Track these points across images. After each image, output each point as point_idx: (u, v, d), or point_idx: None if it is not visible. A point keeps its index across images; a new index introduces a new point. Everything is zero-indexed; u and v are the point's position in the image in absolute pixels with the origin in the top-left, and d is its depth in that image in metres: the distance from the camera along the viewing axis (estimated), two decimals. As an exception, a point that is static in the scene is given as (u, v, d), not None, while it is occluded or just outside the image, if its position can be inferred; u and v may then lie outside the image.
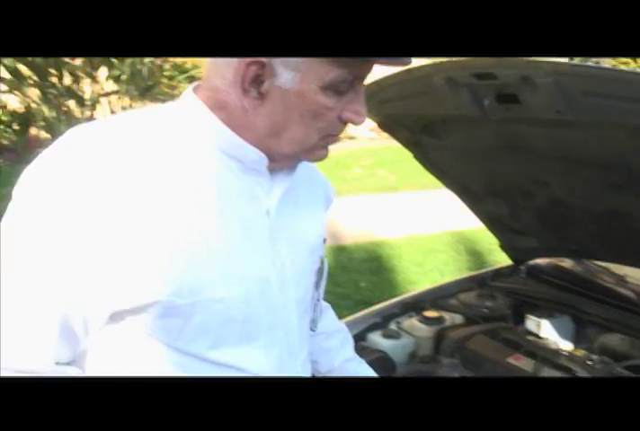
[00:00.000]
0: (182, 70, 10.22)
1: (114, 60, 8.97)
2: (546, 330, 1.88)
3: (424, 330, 1.87)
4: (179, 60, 11.16)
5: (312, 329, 1.12)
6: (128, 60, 9.18)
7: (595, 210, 1.72)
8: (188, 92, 0.95)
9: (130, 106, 9.25)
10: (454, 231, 5.32)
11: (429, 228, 5.48)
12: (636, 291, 1.89)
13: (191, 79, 10.00)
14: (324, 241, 1.12)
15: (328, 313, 1.32)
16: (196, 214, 0.88)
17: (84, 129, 0.88)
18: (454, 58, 1.46)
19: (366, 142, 9.92)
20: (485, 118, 1.49)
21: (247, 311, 0.93)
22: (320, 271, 1.10)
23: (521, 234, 2.14)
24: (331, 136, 0.94)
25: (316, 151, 0.95)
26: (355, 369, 1.33)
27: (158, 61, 9.87)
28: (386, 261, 4.49)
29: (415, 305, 2.03)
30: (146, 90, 9.46)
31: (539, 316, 1.91)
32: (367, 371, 1.35)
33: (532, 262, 2.27)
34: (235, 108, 0.90)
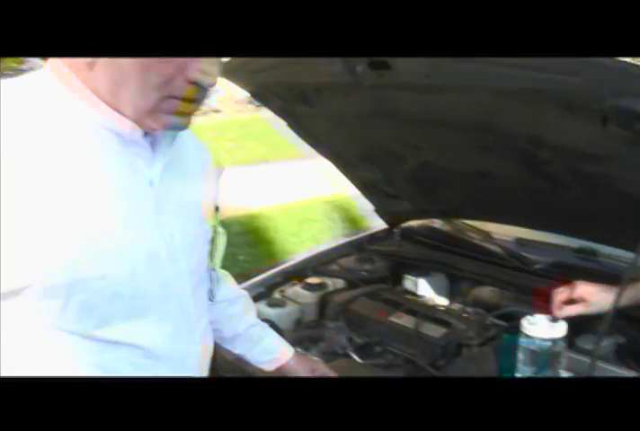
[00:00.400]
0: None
1: None
2: (423, 288, 1.97)
3: (308, 297, 1.90)
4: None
5: (210, 299, 1.11)
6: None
7: (463, 171, 1.81)
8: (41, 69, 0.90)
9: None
10: (327, 199, 5.42)
11: (302, 197, 5.54)
12: (502, 246, 2.02)
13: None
14: (217, 209, 1.10)
15: (227, 281, 1.32)
16: (74, 191, 0.84)
17: None
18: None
19: (232, 114, 9.81)
20: (358, 84, 1.52)
21: (134, 286, 0.90)
22: (213, 240, 1.08)
23: (395, 198, 2.21)
24: (175, 99, 0.86)
25: (163, 116, 0.88)
26: (259, 333, 1.35)
27: None
28: (263, 233, 4.51)
29: (297, 273, 2.06)
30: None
31: (416, 275, 2.00)
32: (271, 335, 1.37)
33: (405, 225, 2.36)
34: (77, 72, 0.86)
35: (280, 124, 2.05)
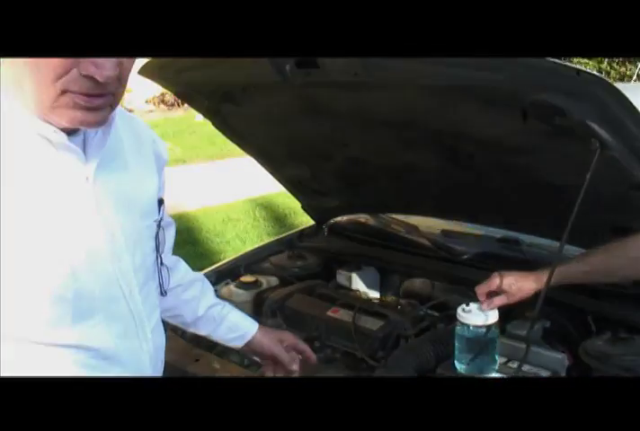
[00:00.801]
0: None
1: None
2: (356, 282, 2.00)
3: (243, 295, 1.90)
4: None
5: (162, 294, 1.10)
6: None
7: (389, 166, 1.85)
8: None
9: None
10: (248, 198, 5.41)
11: (223, 198, 5.50)
12: (429, 238, 2.08)
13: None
14: (161, 202, 1.08)
15: (180, 266, 1.32)
16: (6, 198, 0.83)
17: None
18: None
19: (144, 115, 9.62)
20: (286, 83, 1.52)
21: (77, 286, 0.89)
22: (157, 235, 1.06)
23: (323, 195, 2.23)
24: (73, 93, 0.84)
25: (66, 111, 0.85)
26: (220, 313, 1.35)
27: None
28: (187, 234, 4.45)
29: (230, 272, 2.05)
30: None
31: (348, 270, 2.03)
32: (233, 312, 1.38)
33: (333, 220, 2.39)
34: None
35: (195, 124, 2.03)
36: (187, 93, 1.86)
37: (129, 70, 0.89)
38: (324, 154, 1.95)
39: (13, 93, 0.85)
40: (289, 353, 1.37)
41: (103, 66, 0.82)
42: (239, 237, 4.55)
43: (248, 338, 1.36)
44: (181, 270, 1.31)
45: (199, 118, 7.23)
